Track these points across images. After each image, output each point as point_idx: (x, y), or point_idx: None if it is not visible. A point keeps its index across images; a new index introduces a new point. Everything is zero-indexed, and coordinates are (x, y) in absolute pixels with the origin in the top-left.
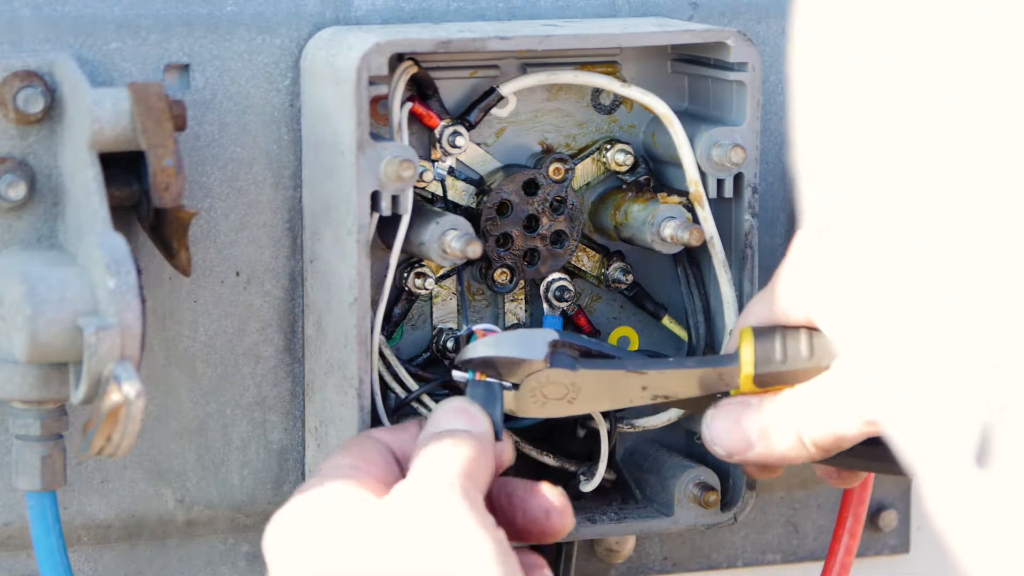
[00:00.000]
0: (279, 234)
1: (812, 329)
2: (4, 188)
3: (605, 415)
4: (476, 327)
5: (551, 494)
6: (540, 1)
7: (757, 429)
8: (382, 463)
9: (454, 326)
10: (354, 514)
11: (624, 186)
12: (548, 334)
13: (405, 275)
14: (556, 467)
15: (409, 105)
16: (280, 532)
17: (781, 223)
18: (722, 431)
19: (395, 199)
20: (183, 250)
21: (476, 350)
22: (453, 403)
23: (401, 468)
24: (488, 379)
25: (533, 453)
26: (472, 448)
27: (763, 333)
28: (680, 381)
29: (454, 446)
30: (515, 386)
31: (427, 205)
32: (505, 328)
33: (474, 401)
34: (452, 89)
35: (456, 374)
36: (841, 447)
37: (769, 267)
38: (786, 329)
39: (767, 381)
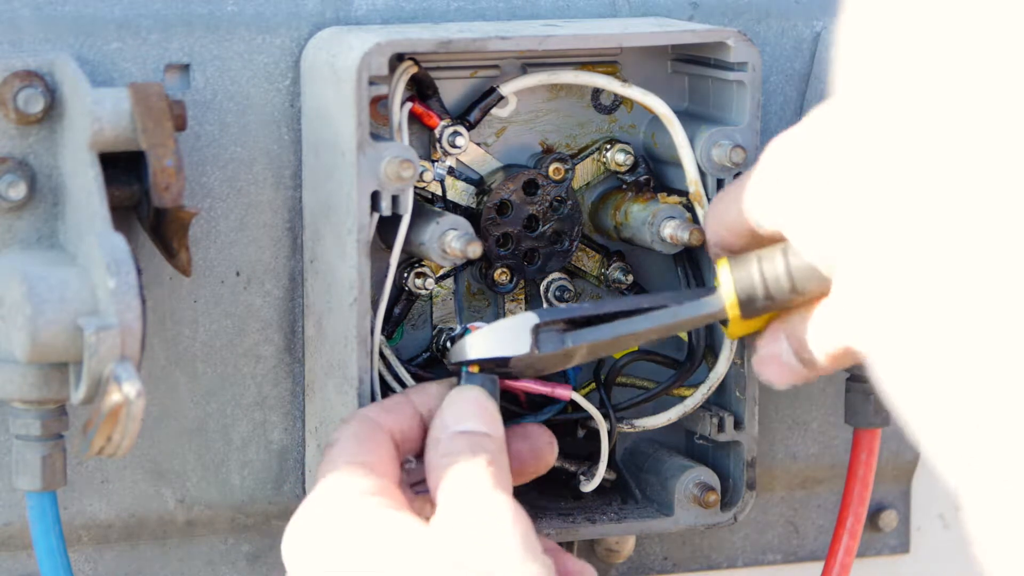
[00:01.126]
0: (279, 234)
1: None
2: (4, 188)
3: (605, 415)
4: (472, 325)
5: (543, 430)
6: (540, 1)
7: (800, 361)
8: (390, 460)
9: (454, 326)
10: (405, 544)
11: (624, 186)
12: (529, 319)
13: (405, 275)
14: (556, 467)
15: (409, 105)
16: (309, 546)
17: None
18: (776, 377)
19: (395, 199)
20: (183, 250)
21: (463, 352)
22: (469, 393)
23: (399, 452)
24: (483, 370)
25: None
26: (501, 460)
27: (740, 265)
28: (669, 331)
29: (489, 463)
30: (510, 371)
31: (427, 205)
32: None
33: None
34: (452, 89)
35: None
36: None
37: None
38: (761, 254)
39: (754, 315)
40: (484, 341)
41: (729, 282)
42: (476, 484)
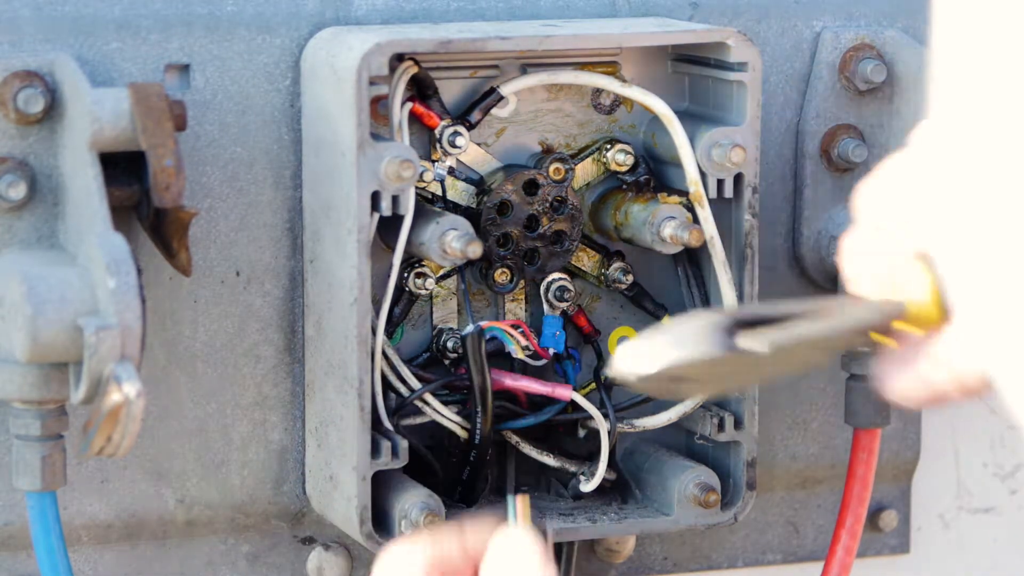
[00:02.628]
0: (279, 234)
1: None
2: (4, 188)
3: (605, 415)
4: (483, 323)
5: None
6: (540, 1)
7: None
8: None
9: (454, 326)
10: None
11: (624, 186)
12: (708, 318)
13: (405, 275)
14: (556, 467)
15: (409, 105)
16: None
17: (781, 223)
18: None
19: (395, 199)
20: (183, 250)
21: (640, 361)
22: (522, 544)
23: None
24: (530, 503)
25: (533, 453)
26: None
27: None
28: (853, 333)
29: None
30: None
31: (427, 205)
32: None
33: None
34: (452, 89)
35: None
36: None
37: (770, 267)
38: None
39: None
40: (664, 345)
41: (925, 274)
42: None
